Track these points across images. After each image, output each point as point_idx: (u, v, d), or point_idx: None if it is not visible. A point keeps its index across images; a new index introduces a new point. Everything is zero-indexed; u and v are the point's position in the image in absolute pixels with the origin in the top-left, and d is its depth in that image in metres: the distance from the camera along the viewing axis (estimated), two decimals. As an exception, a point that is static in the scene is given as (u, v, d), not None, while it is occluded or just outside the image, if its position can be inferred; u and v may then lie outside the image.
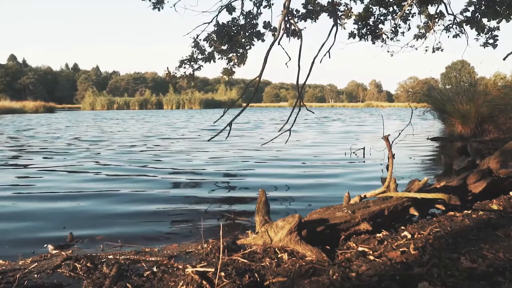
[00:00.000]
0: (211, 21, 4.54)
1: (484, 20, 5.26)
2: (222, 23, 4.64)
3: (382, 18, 5.61)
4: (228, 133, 3.92)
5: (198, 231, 2.88)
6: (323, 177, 5.07)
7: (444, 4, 5.51)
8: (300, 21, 5.02)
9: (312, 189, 4.39)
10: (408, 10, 5.52)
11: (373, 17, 5.58)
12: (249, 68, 4.32)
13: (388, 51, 5.86)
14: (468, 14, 5.39)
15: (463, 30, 5.69)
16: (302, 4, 5.02)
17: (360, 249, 2.16)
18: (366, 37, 5.63)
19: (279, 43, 4.01)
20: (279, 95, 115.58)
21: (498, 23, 4.97)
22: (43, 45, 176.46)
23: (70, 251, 2.44)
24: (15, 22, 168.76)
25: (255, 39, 4.77)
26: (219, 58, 4.70)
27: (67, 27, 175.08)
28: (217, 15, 4.55)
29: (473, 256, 1.95)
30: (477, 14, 5.26)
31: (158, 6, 4.80)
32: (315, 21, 5.08)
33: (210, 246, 2.23)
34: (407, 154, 7.05)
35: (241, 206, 3.72)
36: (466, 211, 2.85)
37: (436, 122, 13.71)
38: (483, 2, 5.06)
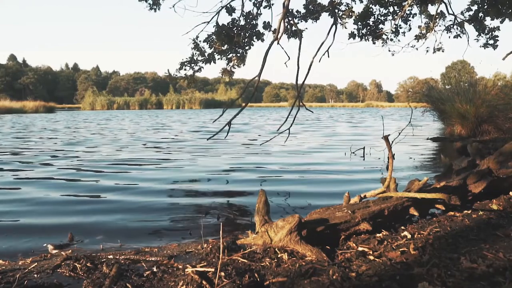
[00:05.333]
0: (210, 21, 4.54)
1: (487, 19, 5.25)
2: (222, 24, 4.63)
3: (382, 18, 5.59)
4: (227, 133, 3.91)
5: (198, 231, 2.88)
6: (323, 177, 5.07)
7: (445, 4, 5.49)
8: (301, 21, 5.01)
9: (312, 189, 4.39)
10: (408, 10, 5.51)
11: (373, 17, 5.57)
12: (249, 68, 4.32)
13: (389, 50, 5.85)
14: (471, 13, 5.36)
15: (463, 31, 5.67)
16: (303, 4, 5.02)
17: (360, 249, 2.16)
18: (366, 37, 5.61)
19: (278, 43, 4.00)
20: (279, 95, 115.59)
21: (501, 22, 4.95)
22: (43, 45, 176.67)
23: (70, 251, 2.44)
24: (16, 22, 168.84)
25: (255, 40, 4.76)
26: (219, 59, 4.70)
27: (67, 27, 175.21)
28: (217, 15, 4.55)
29: (473, 256, 1.95)
30: (480, 13, 5.24)
31: (155, 7, 4.80)
32: (316, 21, 5.07)
33: (210, 246, 2.23)
34: (407, 154, 7.05)
35: (241, 206, 3.72)
36: (466, 211, 2.85)
37: (436, 122, 13.71)
38: (486, 1, 5.04)
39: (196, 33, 4.58)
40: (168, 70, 4.52)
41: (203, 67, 4.70)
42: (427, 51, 5.89)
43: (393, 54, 5.90)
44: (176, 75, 4.63)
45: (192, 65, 4.65)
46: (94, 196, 4.10)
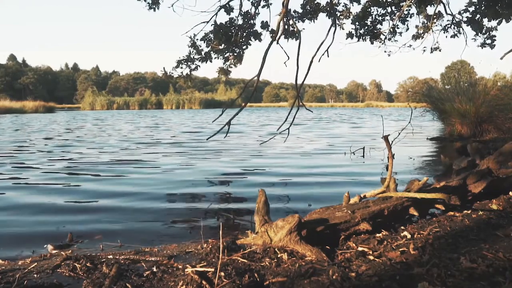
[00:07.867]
0: (209, 21, 4.54)
1: (484, 20, 5.24)
2: (220, 23, 4.63)
3: (380, 18, 5.60)
4: (226, 133, 3.91)
5: (198, 231, 2.87)
6: (322, 177, 5.06)
7: (443, 4, 5.50)
8: (299, 21, 5.02)
9: (312, 189, 4.39)
10: (406, 10, 5.51)
11: (371, 18, 5.58)
12: (249, 68, 4.33)
13: (385, 51, 5.85)
14: (468, 14, 5.37)
15: (460, 30, 5.68)
16: (301, 4, 5.02)
17: (360, 249, 2.16)
18: (364, 38, 5.61)
19: (277, 43, 4.00)
20: (279, 95, 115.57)
21: (498, 23, 4.95)
22: (43, 45, 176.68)
23: (70, 251, 2.44)
24: (16, 22, 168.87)
25: (252, 39, 4.76)
26: (215, 58, 4.69)
27: (67, 27, 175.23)
28: (215, 15, 4.55)
29: (473, 256, 1.94)
30: (477, 14, 5.24)
31: (154, 6, 4.80)
32: (314, 21, 5.08)
33: (210, 246, 2.23)
34: (407, 154, 7.05)
35: (241, 206, 3.72)
36: (466, 211, 2.85)
37: (435, 122, 13.71)
38: (483, 2, 5.03)
39: (194, 33, 4.59)
40: (164, 68, 4.51)
41: (199, 66, 4.69)
42: (424, 50, 5.90)
43: (389, 55, 5.92)
44: (172, 73, 4.63)
45: (189, 63, 4.64)
46: (93, 197, 4.10)
